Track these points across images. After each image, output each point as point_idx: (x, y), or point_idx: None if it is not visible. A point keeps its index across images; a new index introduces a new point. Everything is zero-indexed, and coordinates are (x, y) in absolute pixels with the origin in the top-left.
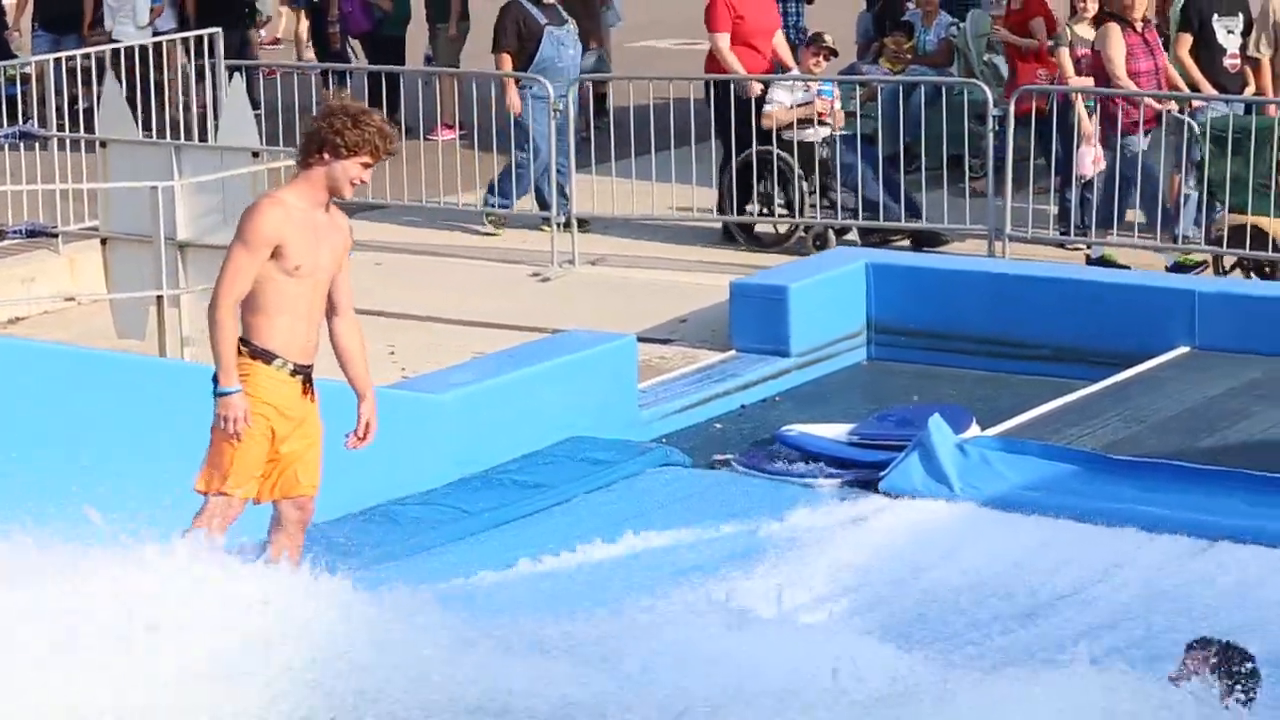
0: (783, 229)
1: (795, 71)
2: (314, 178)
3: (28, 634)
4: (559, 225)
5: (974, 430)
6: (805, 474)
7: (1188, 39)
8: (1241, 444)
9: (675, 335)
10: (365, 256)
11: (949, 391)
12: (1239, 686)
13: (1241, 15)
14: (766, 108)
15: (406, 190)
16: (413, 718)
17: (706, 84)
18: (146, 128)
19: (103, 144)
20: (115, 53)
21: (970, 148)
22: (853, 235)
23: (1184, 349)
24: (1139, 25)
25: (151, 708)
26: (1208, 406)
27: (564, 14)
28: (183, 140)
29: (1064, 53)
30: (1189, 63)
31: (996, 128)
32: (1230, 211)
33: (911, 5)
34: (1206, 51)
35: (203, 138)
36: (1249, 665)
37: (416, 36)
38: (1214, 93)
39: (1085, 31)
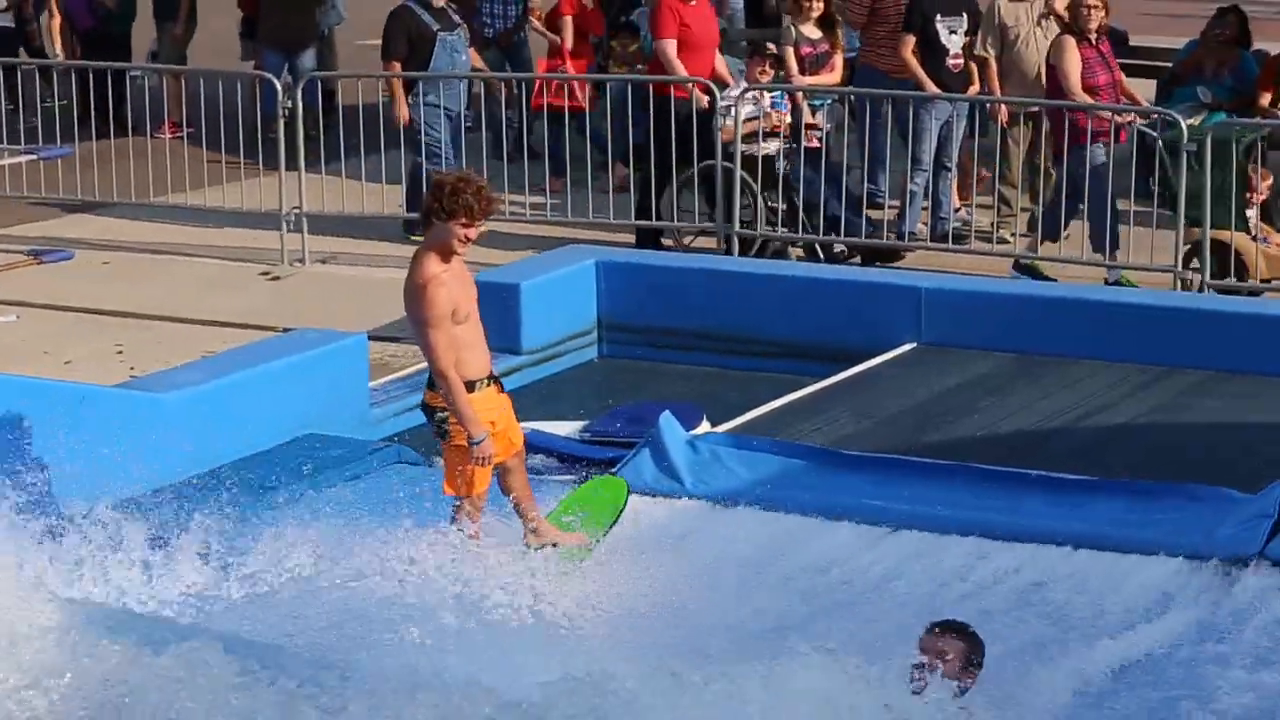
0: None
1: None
2: (431, 240)
3: None
4: (289, 225)
5: (705, 427)
6: (538, 470)
7: (911, 39)
8: (969, 438)
9: (406, 333)
10: (92, 256)
11: (680, 388)
12: (975, 667)
13: (965, 16)
14: (725, 120)
15: (134, 189)
16: None
17: (647, 95)
18: None
19: None
20: None
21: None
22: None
23: (910, 345)
24: (1094, 38)
25: None
26: (934, 402)
27: (455, 18)
28: None
29: (789, 51)
30: (913, 62)
31: (723, 125)
32: (1189, 226)
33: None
34: (930, 51)
35: None
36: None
37: (141, 34)
38: (938, 91)
39: (810, 31)
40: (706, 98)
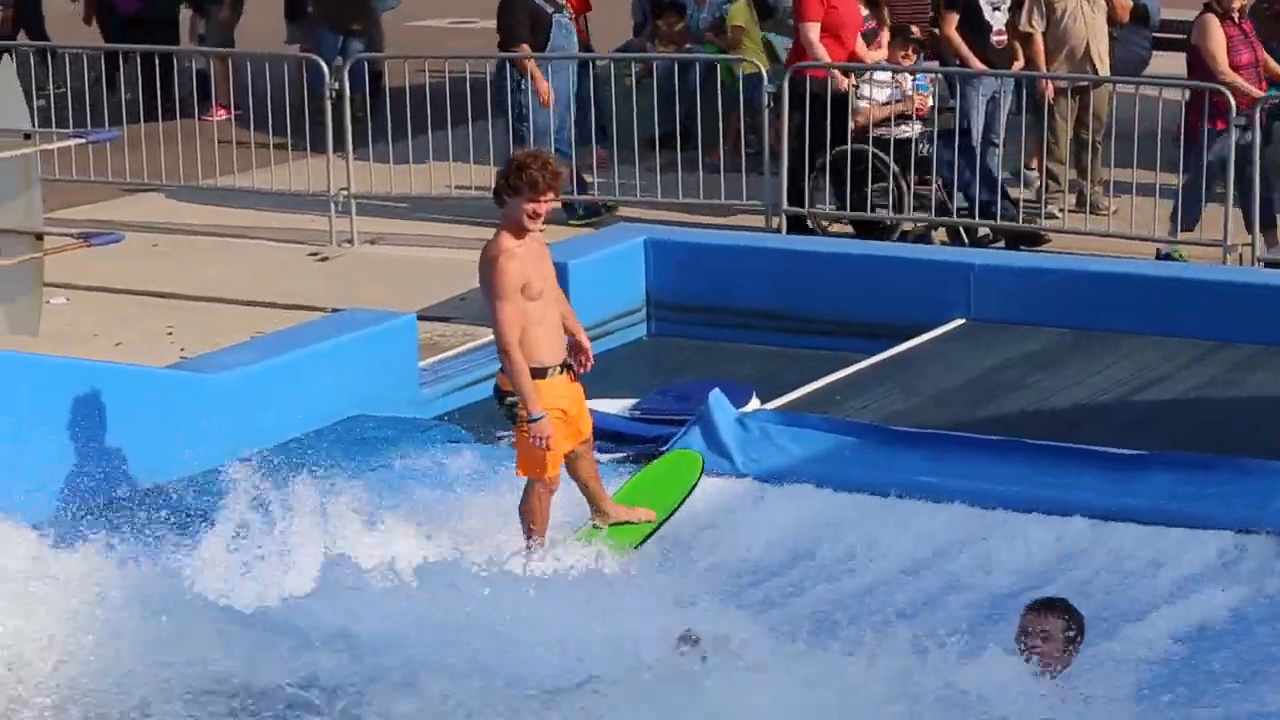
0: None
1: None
2: (504, 217)
3: None
4: (337, 206)
5: (754, 404)
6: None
7: (954, 17)
8: (1020, 413)
9: (455, 313)
10: (141, 238)
11: (729, 366)
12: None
13: None
14: (859, 103)
15: (182, 172)
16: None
17: (792, 78)
18: None
19: None
20: None
21: (746, 123)
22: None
23: (961, 321)
24: (1237, 16)
25: None
26: (985, 377)
27: (561, 0)
28: None
29: None
30: (957, 40)
31: (771, 104)
32: None
33: None
34: (974, 29)
35: None
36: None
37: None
38: (982, 68)
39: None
40: (846, 80)
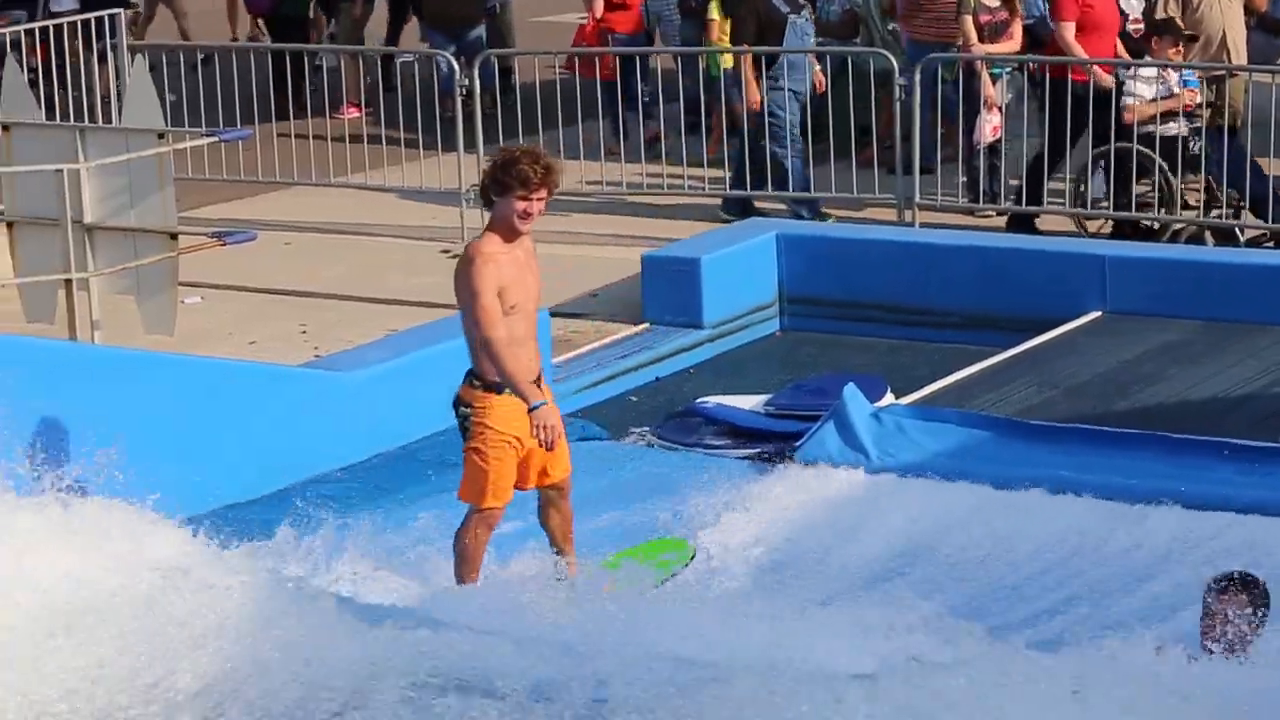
0: (1156, 227)
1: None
2: (493, 220)
3: None
4: (467, 203)
5: (889, 399)
6: (722, 445)
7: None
8: (1157, 406)
9: (588, 309)
10: (274, 237)
11: (862, 360)
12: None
13: None
14: (1127, 100)
15: (314, 169)
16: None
17: (1042, 74)
18: (50, 110)
19: (4, 127)
20: (15, 37)
21: (877, 116)
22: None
23: (1096, 314)
24: None
25: None
26: (1121, 370)
27: (801, 1)
28: (87, 122)
29: (967, 20)
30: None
31: (903, 96)
32: None
33: None
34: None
35: (107, 119)
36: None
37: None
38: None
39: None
40: (1110, 79)
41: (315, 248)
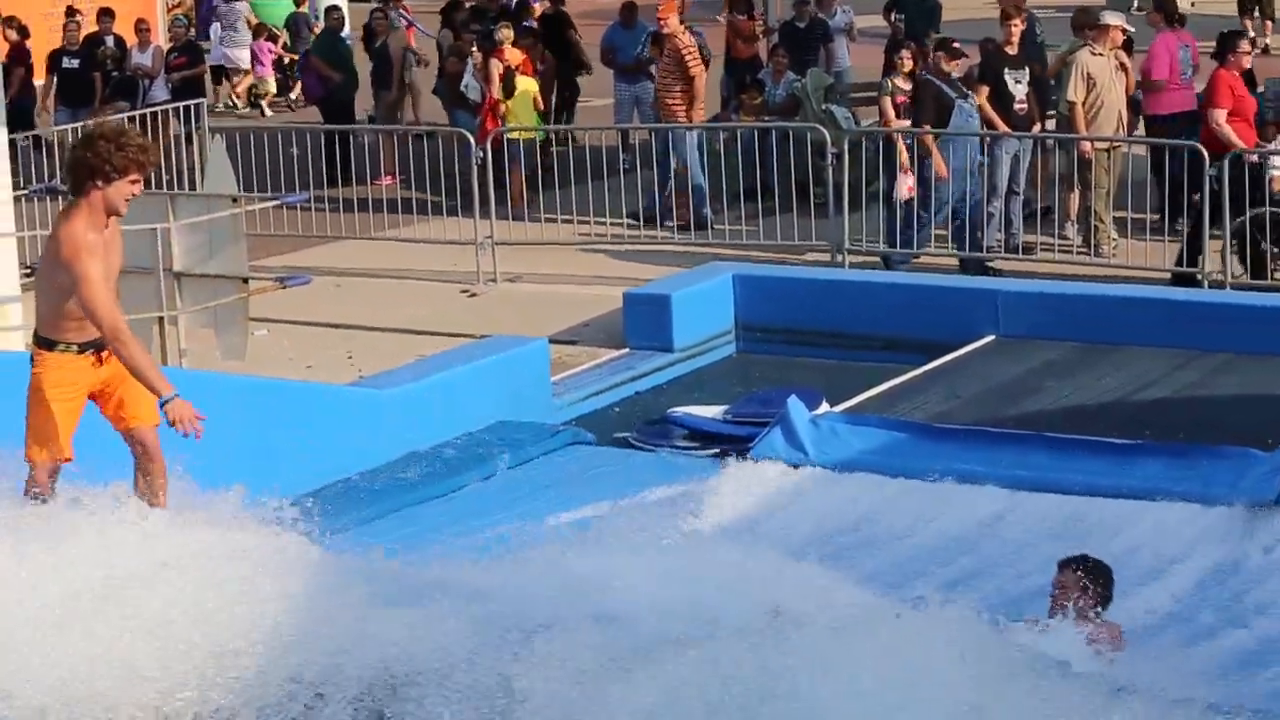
0: None
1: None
2: (94, 203)
3: None
4: (482, 251)
5: (824, 408)
6: (690, 446)
7: (985, 89)
8: (1040, 412)
9: (580, 337)
10: (327, 280)
11: (803, 377)
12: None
13: (1026, 70)
14: (1274, 173)
15: (358, 226)
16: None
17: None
18: (146, 180)
19: None
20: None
21: (813, 178)
22: None
23: (991, 337)
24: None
25: None
26: (1011, 383)
27: (965, 89)
28: (176, 190)
29: (886, 100)
30: (988, 108)
31: (834, 162)
32: None
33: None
34: (1001, 99)
35: (192, 187)
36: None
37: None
38: (1007, 130)
39: (903, 84)
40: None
41: (359, 289)
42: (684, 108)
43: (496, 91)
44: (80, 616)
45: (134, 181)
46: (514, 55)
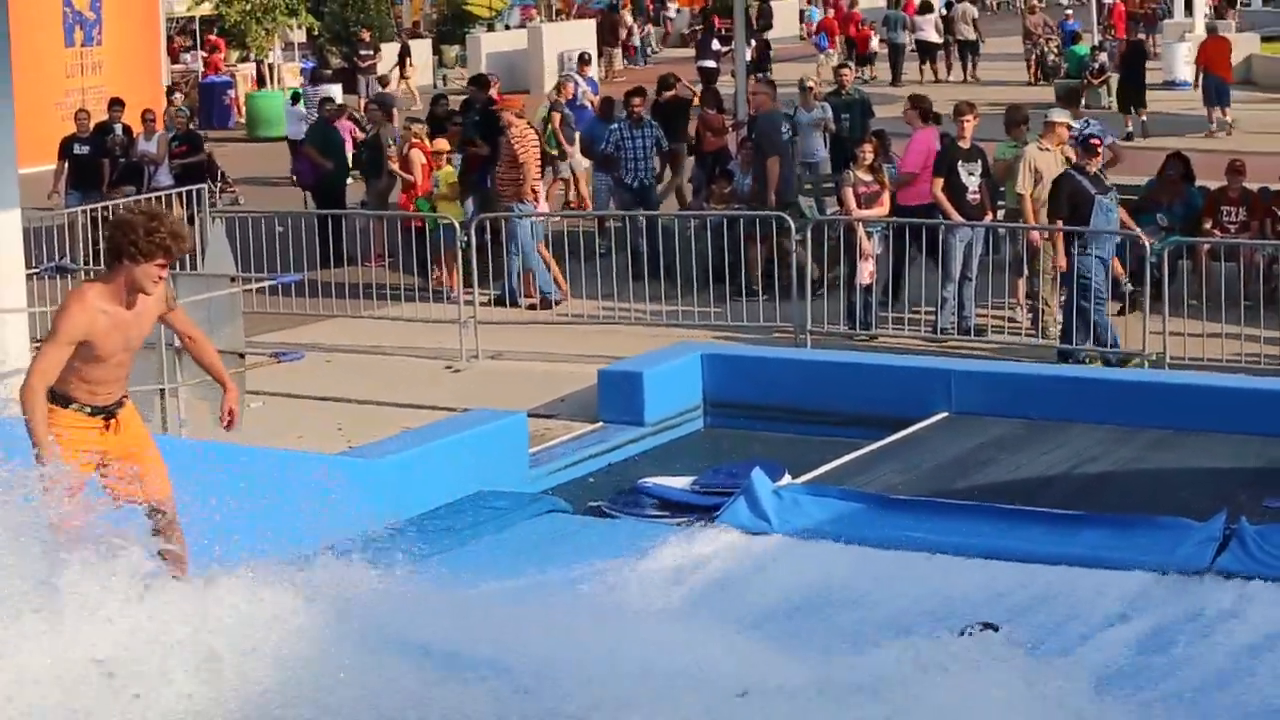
0: None
1: None
2: (119, 280)
3: None
4: (465, 329)
5: (786, 479)
6: (659, 515)
7: (940, 180)
8: (989, 484)
9: (556, 411)
10: (318, 356)
11: (767, 450)
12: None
13: (979, 161)
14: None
15: (348, 305)
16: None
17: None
18: None
19: None
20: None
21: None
22: None
23: (943, 414)
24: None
25: None
26: (963, 457)
27: (1108, 184)
28: (177, 270)
29: (847, 190)
30: (942, 197)
31: (798, 249)
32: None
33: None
34: (956, 190)
35: (193, 267)
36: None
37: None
38: (961, 220)
39: (864, 175)
40: None
41: (349, 365)
42: (513, 189)
43: (417, 177)
44: None
45: (161, 265)
46: (439, 144)
